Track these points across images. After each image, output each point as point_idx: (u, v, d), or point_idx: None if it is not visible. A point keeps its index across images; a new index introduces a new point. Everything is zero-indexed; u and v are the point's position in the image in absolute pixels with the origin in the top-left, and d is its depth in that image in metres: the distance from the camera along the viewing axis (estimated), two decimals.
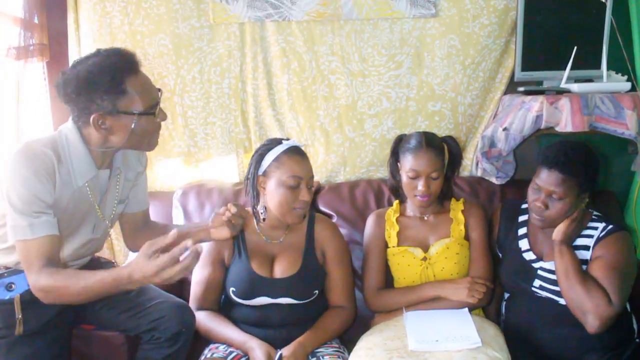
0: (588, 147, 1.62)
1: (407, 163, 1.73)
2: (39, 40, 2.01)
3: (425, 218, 1.83)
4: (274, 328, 1.65)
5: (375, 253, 1.81)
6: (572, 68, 1.99)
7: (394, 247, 1.80)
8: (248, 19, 2.13)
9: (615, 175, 2.18)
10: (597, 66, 2.06)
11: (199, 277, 1.70)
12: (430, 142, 1.73)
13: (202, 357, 1.61)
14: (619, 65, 2.08)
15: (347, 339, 1.72)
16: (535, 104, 1.89)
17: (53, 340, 1.50)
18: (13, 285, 1.43)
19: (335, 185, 2.20)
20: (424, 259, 1.76)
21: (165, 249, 1.27)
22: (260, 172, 1.63)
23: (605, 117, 1.87)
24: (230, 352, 1.59)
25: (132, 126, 1.38)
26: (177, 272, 1.24)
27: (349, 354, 1.59)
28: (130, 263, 1.30)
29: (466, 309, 1.66)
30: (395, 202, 1.90)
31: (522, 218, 1.79)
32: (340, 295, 1.73)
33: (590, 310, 1.49)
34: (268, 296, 1.63)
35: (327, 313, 1.71)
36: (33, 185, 1.33)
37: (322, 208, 2.10)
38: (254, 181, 1.64)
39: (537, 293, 1.66)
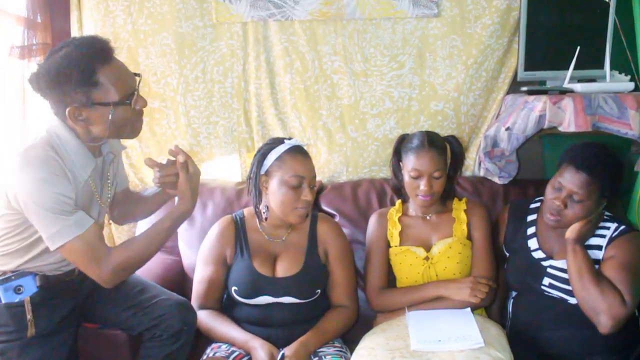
0: (616, 154, 1.61)
1: (410, 162, 1.73)
2: (42, 39, 2.02)
3: (428, 218, 1.83)
4: (276, 327, 1.64)
5: (378, 252, 1.81)
6: (575, 68, 1.98)
7: (396, 246, 1.80)
8: (251, 19, 2.14)
9: None
10: (601, 66, 2.06)
11: (200, 275, 1.70)
12: (432, 141, 1.73)
13: (205, 356, 1.61)
14: (622, 65, 2.07)
15: (350, 338, 1.72)
16: (538, 104, 1.88)
17: (63, 341, 1.50)
18: (21, 288, 1.42)
19: (337, 184, 2.19)
20: (427, 258, 1.75)
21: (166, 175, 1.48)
22: (262, 172, 1.63)
23: (609, 117, 1.86)
24: (233, 352, 1.59)
25: (110, 117, 1.34)
26: (191, 163, 1.46)
27: (351, 353, 1.58)
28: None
29: (469, 309, 1.66)
30: (398, 202, 1.90)
31: (530, 217, 1.78)
32: (343, 294, 1.73)
33: (604, 310, 1.48)
34: (270, 295, 1.63)
35: (330, 312, 1.71)
36: (56, 185, 1.31)
37: (325, 208, 2.10)
38: (256, 180, 1.64)
39: (547, 292, 1.65)
